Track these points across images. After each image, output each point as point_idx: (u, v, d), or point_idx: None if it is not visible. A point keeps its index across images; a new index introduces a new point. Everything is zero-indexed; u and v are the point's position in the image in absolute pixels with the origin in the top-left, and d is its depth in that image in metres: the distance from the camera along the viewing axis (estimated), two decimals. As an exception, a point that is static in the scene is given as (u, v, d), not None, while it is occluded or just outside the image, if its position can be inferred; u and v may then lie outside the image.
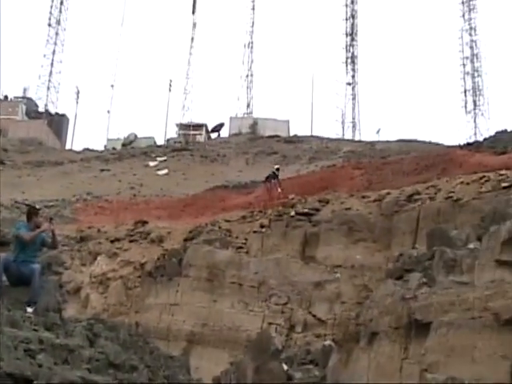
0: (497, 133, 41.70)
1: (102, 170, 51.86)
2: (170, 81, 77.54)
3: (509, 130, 40.21)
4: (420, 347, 9.67)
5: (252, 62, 72.70)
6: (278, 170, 30.89)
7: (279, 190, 28.72)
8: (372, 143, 53.38)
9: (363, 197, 23.25)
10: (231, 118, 68.53)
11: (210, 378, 14.12)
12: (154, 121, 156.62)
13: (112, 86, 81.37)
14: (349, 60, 67.84)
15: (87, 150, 67.21)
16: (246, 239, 22.67)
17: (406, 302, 11.07)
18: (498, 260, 10.53)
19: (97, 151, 66.36)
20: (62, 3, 75.92)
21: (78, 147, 70.86)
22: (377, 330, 11.13)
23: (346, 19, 68.37)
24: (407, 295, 11.34)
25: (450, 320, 9.47)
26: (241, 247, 22.05)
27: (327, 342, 15.07)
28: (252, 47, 72.76)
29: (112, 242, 25.29)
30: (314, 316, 17.62)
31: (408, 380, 9.53)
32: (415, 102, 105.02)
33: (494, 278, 10.23)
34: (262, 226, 23.09)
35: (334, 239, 20.48)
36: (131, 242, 25.15)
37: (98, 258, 23.70)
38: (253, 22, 73.05)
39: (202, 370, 16.12)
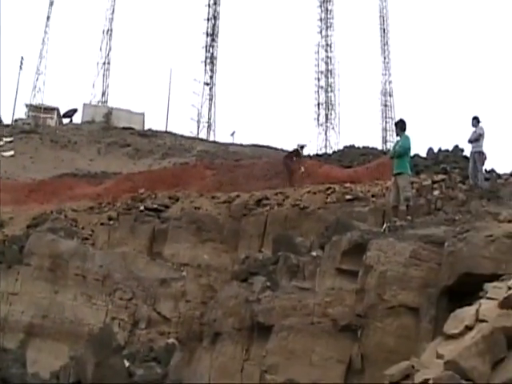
0: (345, 147, 43.69)
1: None
2: (22, 58, 73.68)
3: (356, 145, 42.36)
4: (261, 349, 9.96)
5: (110, 49, 70.83)
6: (302, 148, 26.66)
7: (302, 169, 25.28)
8: (226, 145, 54.04)
9: (213, 197, 23.53)
10: (85, 105, 66.40)
11: (49, 372, 13.74)
12: (1, 99, 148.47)
13: (-43, 56, 76.11)
14: (208, 60, 68.07)
15: None
16: (92, 231, 22.27)
17: (250, 305, 11.34)
18: (338, 268, 11.03)
19: None
20: None
21: None
22: (220, 330, 11.33)
23: (208, 19, 68.53)
24: (251, 298, 11.64)
25: (290, 324, 9.83)
26: (87, 238, 21.61)
27: (170, 340, 15.15)
28: (111, 35, 70.81)
29: None
30: (158, 313, 17.58)
31: (248, 381, 9.78)
32: (270, 109, 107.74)
33: (333, 285, 10.72)
34: (109, 219, 22.77)
35: (182, 237, 20.57)
36: (-31, 224, 23.90)
37: None
38: (113, 9, 71.05)
39: (40, 364, 15.64)
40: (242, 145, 53.63)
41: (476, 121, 18.12)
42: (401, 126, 13.94)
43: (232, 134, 61.23)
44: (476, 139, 18.01)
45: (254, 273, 13.39)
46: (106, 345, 12.60)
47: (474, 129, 18.13)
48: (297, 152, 25.81)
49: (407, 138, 13.73)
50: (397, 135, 14.02)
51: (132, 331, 17.07)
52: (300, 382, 8.99)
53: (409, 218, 13.12)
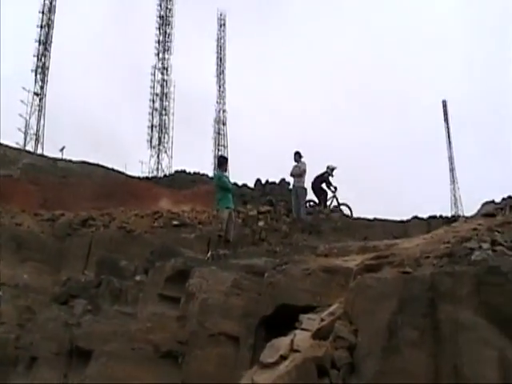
0: (176, 172, 44.06)
1: None
2: None
3: (188, 170, 42.81)
4: (80, 375, 9.74)
5: None
6: (332, 170, 21.75)
7: (332, 190, 21.40)
8: (54, 160, 52.24)
9: (36, 214, 22.72)
10: None
11: None
12: None
13: None
14: (39, 69, 65.51)
15: None
16: None
17: (69, 329, 11.10)
18: (161, 294, 11.15)
19: None
20: None
21: None
22: (37, 354, 10.94)
23: (41, 27, 66.05)
24: (70, 321, 11.39)
25: (111, 349, 9.73)
26: None
27: (-19, 365, 14.33)
28: None
29: None
30: (-32, 336, 16.58)
31: None
32: (102, 127, 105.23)
33: (156, 311, 10.78)
34: None
35: (1, 255, 19.61)
36: None
37: None
38: None
39: None
40: (71, 161, 52.09)
41: (298, 156, 19.00)
42: (225, 161, 14.73)
43: (61, 150, 59.21)
44: (300, 174, 18.89)
45: (74, 295, 13.13)
46: None
47: (295, 163, 18.99)
48: (327, 174, 21.95)
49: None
50: (224, 170, 14.56)
51: None
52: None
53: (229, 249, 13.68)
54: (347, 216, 20.51)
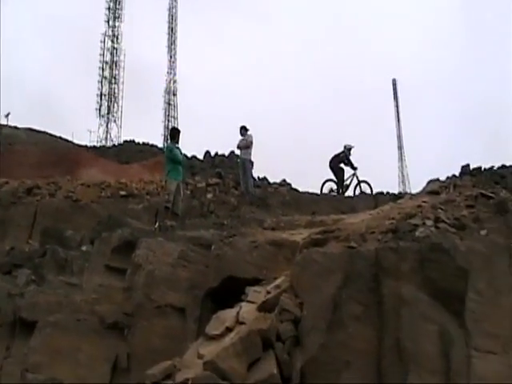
0: (125, 141, 43.44)
1: None
2: None
3: (137, 140, 42.22)
4: (24, 347, 9.57)
5: None
6: (350, 149, 21.15)
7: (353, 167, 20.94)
8: (-1, 127, 50.94)
9: (-19, 182, 22.20)
10: None
11: None
12: None
13: None
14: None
15: None
16: None
17: (12, 299, 10.88)
18: (107, 265, 11.04)
19: None
20: None
21: None
22: (-21, 325, 10.76)
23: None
24: (14, 291, 11.19)
25: (56, 320, 9.57)
26: None
27: None
28: None
29: None
30: None
31: (8, 380, 9.26)
32: (50, 94, 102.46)
33: (102, 282, 10.69)
34: None
35: None
36: None
37: None
38: None
39: None
40: (16, 127, 50.84)
41: (244, 130, 18.98)
42: (177, 134, 14.70)
43: (6, 116, 57.66)
44: (247, 146, 18.86)
45: (18, 265, 12.88)
46: None
47: (241, 137, 18.98)
48: (344, 154, 21.08)
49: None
50: (176, 142, 14.52)
51: None
52: (63, 381, 8.78)
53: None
54: (367, 194, 20.43)
